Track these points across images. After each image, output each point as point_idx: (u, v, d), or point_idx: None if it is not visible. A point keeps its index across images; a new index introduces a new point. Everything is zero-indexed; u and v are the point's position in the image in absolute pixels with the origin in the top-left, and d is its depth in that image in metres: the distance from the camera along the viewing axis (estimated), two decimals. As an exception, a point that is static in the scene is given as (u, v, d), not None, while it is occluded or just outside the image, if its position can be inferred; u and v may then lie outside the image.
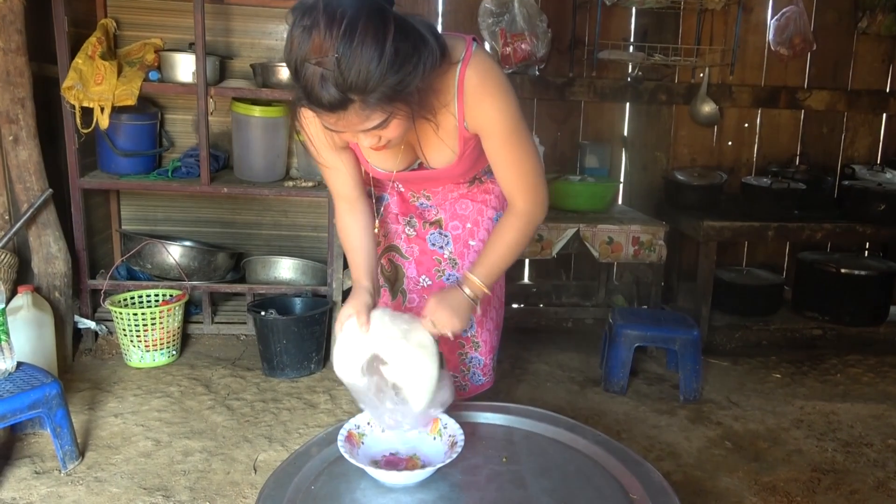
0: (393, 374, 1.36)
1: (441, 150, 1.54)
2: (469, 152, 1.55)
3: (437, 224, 1.86)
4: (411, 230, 1.87)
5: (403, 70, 1.17)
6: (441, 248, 1.86)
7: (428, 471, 1.29)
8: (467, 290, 1.52)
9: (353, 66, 1.13)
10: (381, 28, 1.14)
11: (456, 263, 1.81)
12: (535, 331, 3.45)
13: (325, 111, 1.21)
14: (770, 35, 3.57)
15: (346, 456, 1.30)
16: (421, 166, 1.63)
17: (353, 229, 1.64)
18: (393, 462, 1.39)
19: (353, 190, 1.64)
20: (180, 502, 1.93)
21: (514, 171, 1.51)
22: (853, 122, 3.83)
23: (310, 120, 1.49)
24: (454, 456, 1.32)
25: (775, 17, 3.55)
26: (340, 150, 1.57)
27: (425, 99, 1.30)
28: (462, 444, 1.36)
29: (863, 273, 3.43)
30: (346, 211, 1.66)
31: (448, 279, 1.81)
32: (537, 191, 1.54)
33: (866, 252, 3.90)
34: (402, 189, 1.86)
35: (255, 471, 2.10)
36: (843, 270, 3.44)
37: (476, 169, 1.72)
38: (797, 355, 3.24)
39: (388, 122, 1.25)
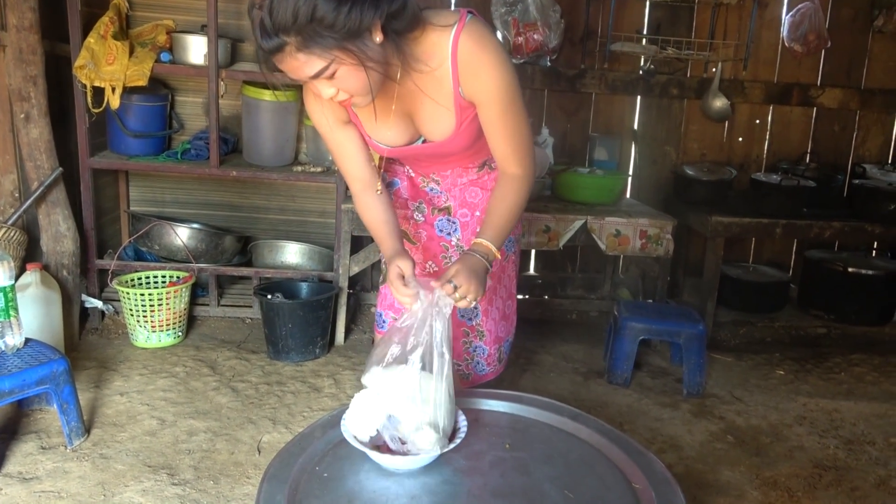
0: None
1: (438, 119, 1.54)
2: (468, 124, 1.54)
3: (445, 210, 1.86)
4: (420, 216, 1.87)
5: (336, 14, 1.20)
6: (448, 234, 1.86)
7: (431, 456, 1.29)
8: (480, 254, 1.49)
9: (280, 6, 1.19)
10: None
11: (463, 250, 1.81)
12: (539, 322, 3.45)
13: (266, 55, 1.26)
14: (784, 31, 3.54)
15: (350, 440, 1.31)
16: (424, 143, 1.63)
17: (374, 205, 1.65)
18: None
19: (363, 169, 1.65)
20: (184, 481, 1.94)
21: (510, 139, 1.53)
22: (866, 120, 3.80)
23: (310, 97, 1.53)
24: (457, 441, 1.33)
25: (790, 13, 3.52)
26: (343, 124, 1.59)
27: (386, 54, 1.31)
28: (465, 430, 1.37)
29: (870, 273, 3.43)
30: (361, 190, 1.66)
31: None
32: (529, 156, 1.57)
33: (874, 252, 3.89)
34: (413, 174, 1.86)
35: (259, 452, 2.12)
36: (850, 269, 3.44)
37: (483, 153, 1.72)
38: (801, 353, 3.24)
39: (331, 69, 1.27)
